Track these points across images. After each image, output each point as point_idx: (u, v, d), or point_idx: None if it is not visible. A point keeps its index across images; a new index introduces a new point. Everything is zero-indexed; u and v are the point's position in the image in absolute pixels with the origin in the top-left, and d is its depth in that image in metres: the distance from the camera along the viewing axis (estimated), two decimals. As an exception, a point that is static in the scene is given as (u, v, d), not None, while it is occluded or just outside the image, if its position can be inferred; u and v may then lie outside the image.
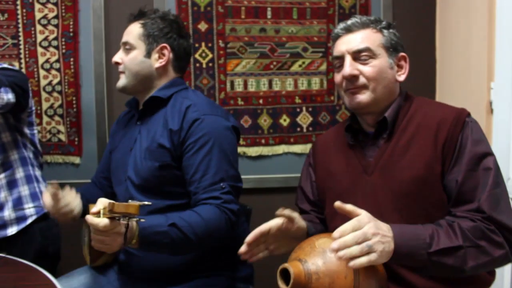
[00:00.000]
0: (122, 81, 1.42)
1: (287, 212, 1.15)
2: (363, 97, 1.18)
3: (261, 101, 2.04)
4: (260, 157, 2.06)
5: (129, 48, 1.41)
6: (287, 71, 2.04)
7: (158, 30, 1.41)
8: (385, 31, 1.21)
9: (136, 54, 1.40)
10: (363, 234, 0.93)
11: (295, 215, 1.18)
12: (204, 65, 2.01)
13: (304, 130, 2.07)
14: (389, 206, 1.14)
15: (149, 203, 1.06)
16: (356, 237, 0.93)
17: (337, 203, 1.01)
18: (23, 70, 1.96)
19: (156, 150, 1.34)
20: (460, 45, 1.91)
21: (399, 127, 1.18)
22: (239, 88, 2.03)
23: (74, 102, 2.00)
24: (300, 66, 2.04)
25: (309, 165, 1.40)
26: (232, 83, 2.03)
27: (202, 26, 2.00)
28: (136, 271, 1.37)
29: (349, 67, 1.18)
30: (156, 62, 1.41)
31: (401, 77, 1.23)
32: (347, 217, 1.01)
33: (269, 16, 2.02)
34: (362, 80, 1.17)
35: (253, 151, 2.05)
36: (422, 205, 1.12)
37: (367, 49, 1.17)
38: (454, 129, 1.12)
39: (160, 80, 1.43)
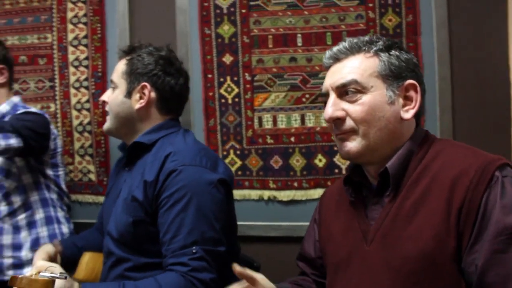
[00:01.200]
0: (106, 123, 1.34)
1: (248, 272, 0.92)
2: (353, 145, 0.92)
3: (292, 139, 1.81)
4: (292, 202, 1.82)
5: (113, 87, 1.32)
6: (321, 104, 1.77)
7: (142, 67, 1.29)
8: (382, 55, 0.94)
9: (117, 93, 1.30)
10: None
11: (260, 276, 0.94)
12: (229, 101, 1.84)
13: (343, 171, 1.78)
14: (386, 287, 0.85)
15: (62, 276, 0.93)
16: None
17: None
18: (58, 111, 1.99)
19: (130, 203, 1.21)
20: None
21: (407, 181, 0.89)
22: (267, 125, 1.82)
23: (102, 142, 1.98)
24: (337, 98, 1.77)
25: (314, 221, 1.17)
26: (260, 119, 1.83)
27: (227, 59, 1.84)
28: None
29: (331, 107, 0.93)
30: (137, 103, 1.29)
31: (409, 113, 0.93)
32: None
33: (299, 44, 1.79)
34: (349, 123, 0.92)
35: (284, 195, 1.82)
36: None
37: (354, 82, 0.91)
38: (476, 188, 0.80)
39: (144, 123, 1.30)
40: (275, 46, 1.80)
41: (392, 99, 0.91)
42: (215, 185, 1.19)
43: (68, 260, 1.38)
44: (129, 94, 1.29)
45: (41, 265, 1.00)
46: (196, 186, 1.16)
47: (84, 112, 1.98)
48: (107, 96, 1.34)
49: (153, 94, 1.29)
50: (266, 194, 1.83)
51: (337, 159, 1.78)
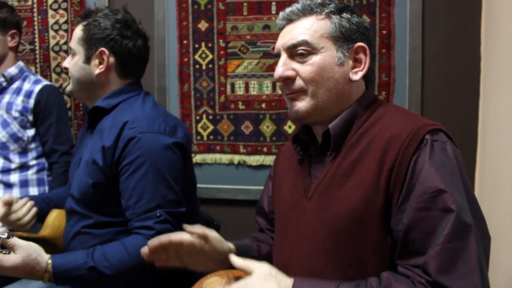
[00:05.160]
0: (69, 86, 1.36)
1: (199, 230, 0.97)
2: (302, 104, 0.95)
3: (263, 105, 1.85)
4: (261, 166, 1.87)
5: (73, 53, 1.33)
6: (292, 72, 1.82)
7: (98, 32, 1.28)
8: (334, 17, 0.96)
9: (76, 59, 1.31)
10: None
11: (212, 234, 0.99)
12: (204, 67, 1.88)
13: (312, 138, 1.82)
14: (320, 245, 0.90)
15: (4, 236, 0.99)
16: None
17: (231, 257, 0.84)
18: (38, 74, 2.03)
19: (91, 166, 1.24)
20: (510, 38, 1.52)
21: (348, 142, 0.92)
22: (240, 91, 1.86)
23: (81, 105, 2.02)
24: (308, 66, 1.81)
25: (269, 177, 1.21)
26: (232, 85, 1.87)
27: (202, 25, 1.87)
28: None
29: (282, 67, 0.96)
30: (96, 68, 1.29)
31: (357, 75, 0.96)
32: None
33: (273, 12, 1.82)
34: (298, 82, 0.94)
35: (254, 160, 1.86)
36: (357, 250, 0.85)
37: (305, 43, 0.94)
38: (406, 150, 0.83)
39: (104, 88, 1.31)
40: (250, 14, 1.83)
41: (342, 61, 0.94)
42: (171, 148, 1.22)
43: (40, 216, 1.42)
44: (88, 60, 1.30)
45: None
46: (154, 152, 1.19)
47: (64, 75, 2.02)
48: (67, 62, 1.35)
49: (111, 59, 1.29)
50: (236, 158, 1.87)
51: (306, 126, 1.82)
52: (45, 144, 1.83)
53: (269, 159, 1.85)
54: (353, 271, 0.83)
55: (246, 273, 0.80)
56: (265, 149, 1.85)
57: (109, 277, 1.11)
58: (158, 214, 1.16)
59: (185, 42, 1.88)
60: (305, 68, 0.93)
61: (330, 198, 0.89)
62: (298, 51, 0.94)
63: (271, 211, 1.16)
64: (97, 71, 1.29)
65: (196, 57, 1.88)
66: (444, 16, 1.73)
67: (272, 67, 1.83)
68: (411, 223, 0.79)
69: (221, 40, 1.86)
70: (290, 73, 0.95)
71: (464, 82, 1.74)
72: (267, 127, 1.85)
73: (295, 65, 0.95)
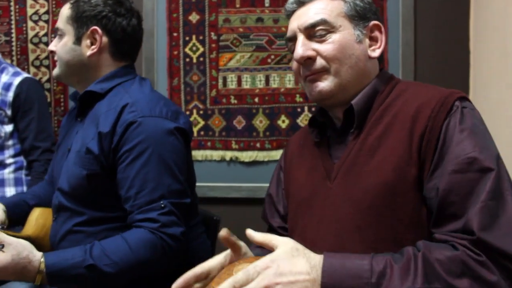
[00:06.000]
0: (56, 69, 1.24)
1: (232, 237, 0.83)
2: (325, 84, 0.91)
3: (256, 99, 1.80)
4: (254, 163, 1.81)
5: (60, 34, 1.22)
6: (286, 65, 1.79)
7: (89, 10, 1.19)
8: None
9: (65, 40, 1.20)
10: None
11: (241, 243, 0.87)
12: (194, 60, 1.82)
13: (306, 133, 1.79)
14: (349, 223, 0.85)
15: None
16: None
17: (248, 231, 0.76)
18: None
19: (84, 156, 1.13)
20: (497, 33, 1.54)
21: (371, 118, 0.90)
22: (232, 85, 1.81)
23: (62, 100, 1.91)
24: (302, 60, 1.78)
25: (280, 169, 1.14)
26: (224, 79, 1.81)
27: (193, 18, 1.82)
28: None
29: (301, 47, 0.91)
30: (88, 49, 1.19)
31: (376, 52, 0.94)
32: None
33: (267, 4, 1.79)
34: (320, 62, 0.91)
35: (246, 156, 1.81)
36: (390, 224, 0.81)
37: (323, 22, 0.90)
38: (437, 116, 0.81)
39: (97, 71, 1.21)
40: (242, 6, 1.79)
41: (360, 38, 0.92)
42: (174, 133, 1.13)
43: (18, 218, 1.30)
44: (78, 41, 1.19)
45: None
46: (156, 138, 1.10)
47: (43, 69, 1.91)
48: (53, 45, 1.24)
49: (104, 39, 1.19)
50: (228, 154, 1.81)
51: (300, 121, 1.79)
52: (24, 141, 1.71)
53: (262, 155, 1.80)
54: (387, 247, 0.78)
55: None
56: (258, 145, 1.80)
57: (111, 276, 1.00)
58: (162, 205, 1.06)
59: (175, 34, 1.82)
60: (326, 47, 0.91)
61: (358, 175, 0.86)
62: (316, 31, 0.92)
63: (286, 204, 1.09)
64: (88, 52, 1.19)
65: (187, 50, 1.82)
66: (436, 10, 1.75)
67: (265, 61, 1.80)
68: (447, 187, 0.76)
69: (212, 33, 1.81)
70: (310, 53, 0.91)
71: (455, 75, 1.76)
72: (260, 122, 1.80)
73: (315, 45, 0.92)
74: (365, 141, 0.87)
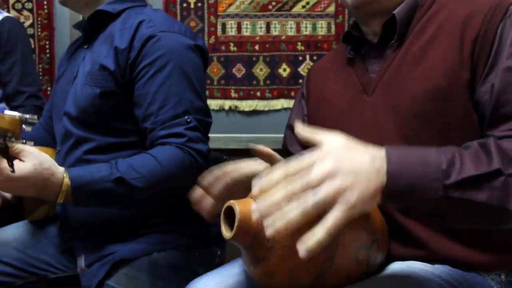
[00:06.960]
0: None
1: (267, 149, 0.80)
2: None
3: (257, 47, 1.75)
4: (254, 112, 1.78)
5: None
6: (288, 12, 1.74)
7: None
8: None
9: None
10: (303, 184, 0.59)
11: (279, 156, 0.85)
12: (192, 5, 1.75)
13: (307, 82, 1.76)
14: (392, 132, 0.83)
15: (35, 116, 0.80)
16: (284, 191, 0.59)
17: (298, 128, 0.69)
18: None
19: (97, 74, 1.06)
20: None
21: (413, 29, 0.87)
22: (231, 31, 1.75)
23: (47, 46, 1.79)
24: (303, 7, 1.74)
25: (302, 97, 1.11)
26: (223, 26, 1.75)
27: (190, -40, 1.74)
28: (74, 225, 1.11)
29: None
30: None
31: None
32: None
33: None
34: None
35: (246, 105, 1.77)
36: (441, 130, 0.79)
37: None
38: (491, 20, 0.78)
39: None
40: (242, -52, 1.73)
41: None
42: (194, 50, 1.08)
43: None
44: None
45: None
46: (177, 52, 1.04)
47: (25, 12, 1.78)
48: None
49: None
50: (227, 104, 1.77)
51: (301, 69, 1.76)
52: (7, 85, 1.59)
53: (262, 104, 1.76)
54: None
55: None
56: (258, 94, 1.76)
57: (139, 191, 0.94)
58: (188, 120, 1.01)
59: (170, -23, 1.74)
60: None
61: (401, 85, 0.84)
62: None
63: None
64: None
65: (184, -6, 1.74)
66: None
67: (266, 7, 1.74)
68: (503, 85, 0.75)
69: (211, -24, 1.74)
70: None
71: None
72: (261, 70, 1.76)
73: None
74: (409, 50, 0.85)
